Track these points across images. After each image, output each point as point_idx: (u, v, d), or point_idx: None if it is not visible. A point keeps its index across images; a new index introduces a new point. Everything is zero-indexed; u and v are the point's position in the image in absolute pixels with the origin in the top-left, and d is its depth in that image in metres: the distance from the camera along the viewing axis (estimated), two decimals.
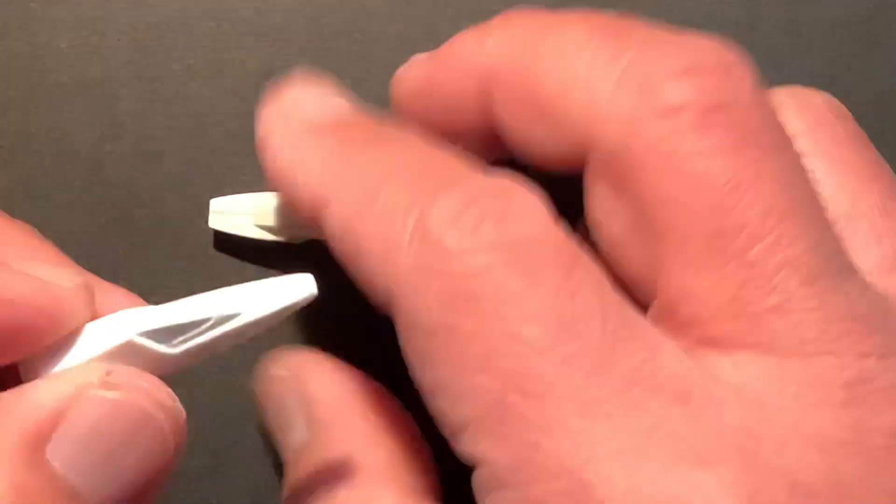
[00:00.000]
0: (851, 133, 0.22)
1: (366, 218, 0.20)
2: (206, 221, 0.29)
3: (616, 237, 0.20)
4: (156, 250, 0.29)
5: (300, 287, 0.21)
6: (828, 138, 0.22)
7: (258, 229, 0.28)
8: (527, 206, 0.19)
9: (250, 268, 0.29)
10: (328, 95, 0.24)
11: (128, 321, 0.20)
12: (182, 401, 0.21)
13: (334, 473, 0.21)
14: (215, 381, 0.28)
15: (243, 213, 0.28)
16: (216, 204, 0.28)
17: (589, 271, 0.19)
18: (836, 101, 0.23)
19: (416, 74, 0.25)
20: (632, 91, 0.20)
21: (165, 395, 0.20)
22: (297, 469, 0.22)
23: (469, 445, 0.18)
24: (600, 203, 0.21)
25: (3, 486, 0.18)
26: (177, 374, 0.21)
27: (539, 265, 0.18)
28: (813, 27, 0.30)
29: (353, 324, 0.28)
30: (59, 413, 0.19)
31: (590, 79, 0.20)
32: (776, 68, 0.30)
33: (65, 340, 0.21)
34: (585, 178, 0.21)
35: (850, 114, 0.23)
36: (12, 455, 0.18)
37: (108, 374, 0.20)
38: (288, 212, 0.27)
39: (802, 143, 0.21)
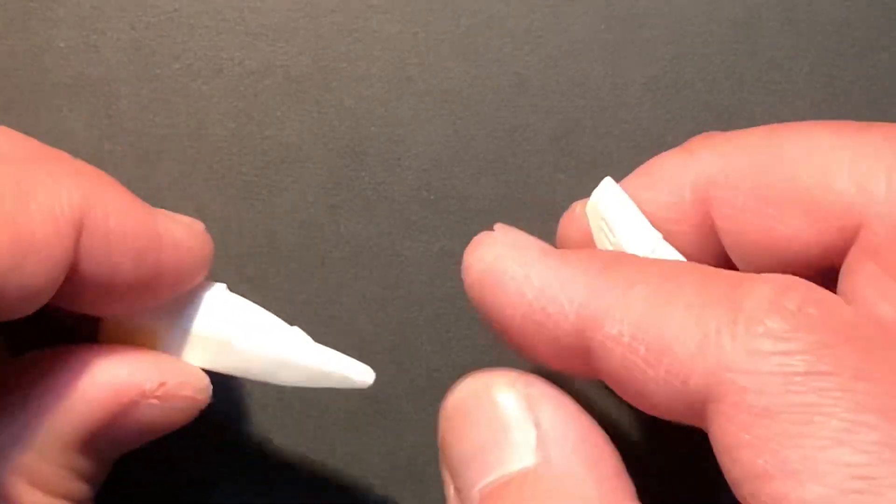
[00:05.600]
0: None
1: (667, 319, 0.19)
2: (206, 221, 0.29)
3: (886, 318, 0.20)
4: None
5: (357, 376, 0.25)
6: None
7: None
8: (831, 295, 0.19)
9: (249, 267, 0.29)
10: (535, 238, 0.23)
11: (221, 298, 0.25)
12: None
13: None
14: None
15: None
16: None
17: None
18: None
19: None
20: None
21: (206, 394, 0.24)
22: (521, 495, 0.21)
23: None
24: (869, 284, 0.21)
25: (51, 469, 0.22)
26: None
27: (870, 345, 0.18)
28: (813, 27, 0.30)
29: None
30: (115, 417, 0.23)
31: (856, 161, 0.21)
32: (776, 68, 0.30)
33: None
34: (847, 260, 0.21)
35: None
36: (69, 445, 0.22)
37: (163, 385, 0.23)
38: None
39: None
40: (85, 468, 0.23)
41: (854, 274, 0.21)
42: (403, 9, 0.30)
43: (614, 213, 0.23)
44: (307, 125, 0.30)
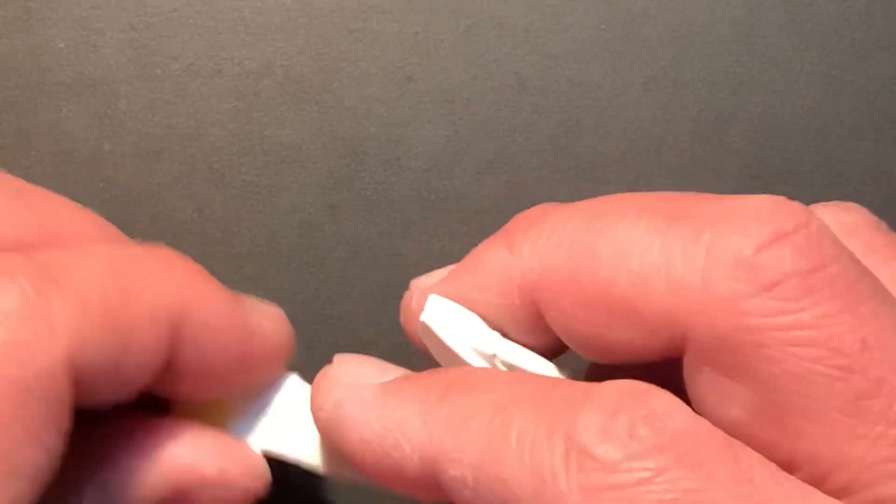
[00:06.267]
0: None
1: (503, 459, 0.19)
2: (205, 221, 0.29)
3: (736, 418, 0.20)
4: None
5: None
6: (881, 261, 0.21)
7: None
8: (666, 402, 0.19)
9: (249, 267, 0.29)
10: (376, 361, 0.23)
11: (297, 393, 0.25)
12: None
13: None
14: None
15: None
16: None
17: (748, 452, 0.19)
18: (872, 216, 0.23)
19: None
20: (725, 272, 0.19)
21: (264, 484, 0.24)
22: None
23: None
24: (711, 389, 0.20)
25: None
26: None
27: (706, 458, 0.18)
28: (813, 27, 0.30)
29: None
30: (171, 498, 0.22)
31: (670, 267, 0.20)
32: (776, 68, 0.30)
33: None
34: (686, 366, 0.20)
35: (886, 225, 0.23)
36: None
37: (223, 472, 0.23)
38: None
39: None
40: None
41: (694, 380, 0.20)
42: (403, 9, 0.30)
43: (447, 331, 0.22)
44: (307, 125, 0.30)
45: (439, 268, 0.29)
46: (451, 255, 0.29)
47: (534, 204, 0.29)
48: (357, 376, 0.22)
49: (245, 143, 0.29)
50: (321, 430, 0.23)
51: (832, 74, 0.30)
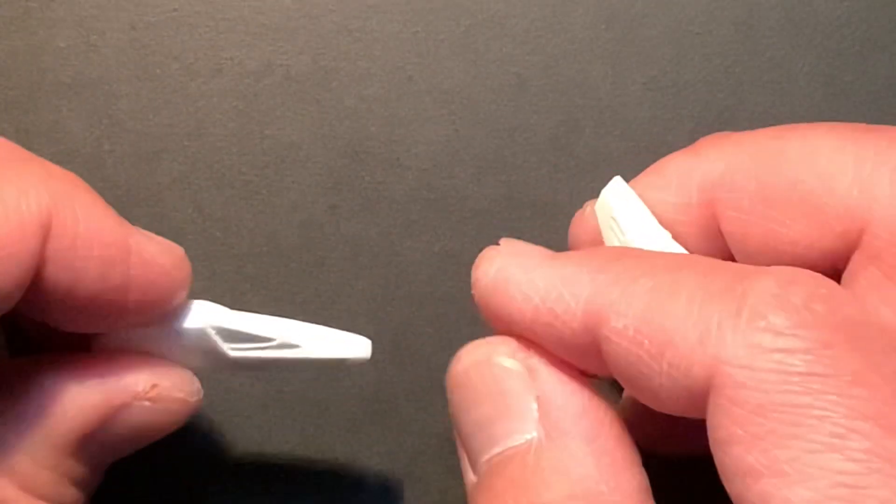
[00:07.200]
0: None
1: (669, 312, 0.19)
2: (205, 221, 0.29)
3: (888, 323, 0.20)
4: None
5: (357, 347, 0.24)
6: None
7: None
8: (845, 292, 0.19)
9: (249, 267, 0.29)
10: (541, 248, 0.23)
11: (207, 314, 0.24)
12: None
13: (580, 484, 0.20)
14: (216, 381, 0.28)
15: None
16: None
17: None
18: None
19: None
20: None
21: (197, 396, 0.24)
22: (523, 469, 0.21)
23: None
24: (871, 290, 0.21)
25: (43, 474, 0.22)
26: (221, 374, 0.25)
27: (872, 347, 0.18)
28: (813, 27, 0.30)
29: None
30: (107, 420, 0.23)
31: (860, 165, 0.21)
32: (776, 68, 0.30)
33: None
34: (850, 266, 0.21)
35: None
36: (61, 449, 0.22)
37: (155, 386, 0.23)
38: None
39: None
40: (77, 473, 0.23)
41: (856, 278, 0.21)
42: (403, 9, 0.30)
43: (623, 211, 0.23)
44: (307, 125, 0.30)
45: (439, 268, 0.29)
46: (451, 255, 0.29)
47: (534, 204, 0.29)
48: (522, 248, 0.22)
49: (245, 143, 0.29)
50: (479, 299, 0.22)
51: (832, 74, 0.30)
